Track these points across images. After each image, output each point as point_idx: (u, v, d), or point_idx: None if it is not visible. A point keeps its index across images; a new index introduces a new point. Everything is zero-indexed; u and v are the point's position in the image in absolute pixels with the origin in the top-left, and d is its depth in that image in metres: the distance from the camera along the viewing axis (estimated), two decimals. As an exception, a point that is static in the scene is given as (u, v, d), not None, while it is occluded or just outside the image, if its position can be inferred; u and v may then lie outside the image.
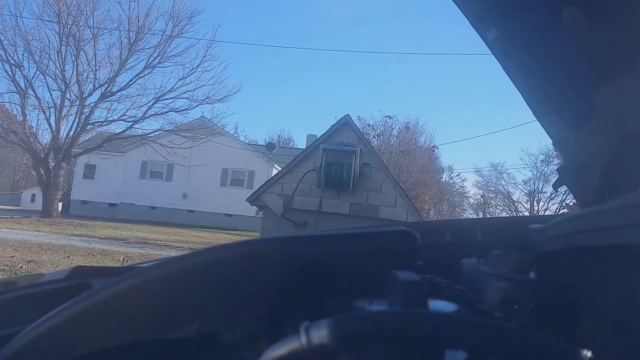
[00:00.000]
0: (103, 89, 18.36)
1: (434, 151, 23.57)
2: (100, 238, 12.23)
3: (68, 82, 17.98)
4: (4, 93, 17.95)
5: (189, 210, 24.07)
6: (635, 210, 0.44)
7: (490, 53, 0.94)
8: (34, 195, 35.75)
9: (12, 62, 17.01)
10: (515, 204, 24.35)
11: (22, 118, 17.87)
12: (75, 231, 13.42)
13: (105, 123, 19.12)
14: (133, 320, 0.50)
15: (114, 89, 18.56)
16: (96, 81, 18.34)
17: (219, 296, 0.54)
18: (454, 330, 0.41)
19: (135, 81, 18.53)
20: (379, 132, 22.62)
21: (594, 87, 0.86)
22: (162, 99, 18.52)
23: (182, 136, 18.11)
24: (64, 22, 17.32)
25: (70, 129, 18.12)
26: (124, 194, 24.18)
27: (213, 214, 23.81)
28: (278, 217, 7.85)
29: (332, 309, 0.48)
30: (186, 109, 18.79)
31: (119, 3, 17.90)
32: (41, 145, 18.94)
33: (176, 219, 22.91)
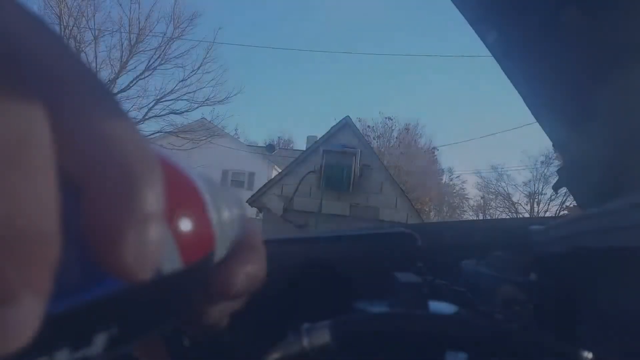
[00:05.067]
0: (103, 90, 18.41)
1: (434, 153, 23.48)
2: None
3: (69, 83, 18.03)
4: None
5: (189, 212, 24.02)
6: (635, 212, 0.44)
7: (490, 54, 0.94)
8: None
9: (13, 63, 17.05)
10: (515, 205, 24.28)
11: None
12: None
13: (105, 124, 19.12)
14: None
15: (115, 91, 18.58)
16: (96, 83, 18.39)
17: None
18: (454, 331, 0.41)
19: (135, 83, 18.51)
20: (378, 133, 22.62)
21: (594, 88, 0.86)
22: (162, 100, 18.50)
23: (183, 137, 18.12)
24: (64, 23, 17.36)
25: (70, 130, 18.13)
26: (124, 195, 24.11)
27: (213, 215, 23.74)
28: (278, 218, 7.85)
29: (333, 310, 0.48)
30: (186, 111, 18.81)
31: (120, 5, 17.95)
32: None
33: (176, 221, 22.85)
